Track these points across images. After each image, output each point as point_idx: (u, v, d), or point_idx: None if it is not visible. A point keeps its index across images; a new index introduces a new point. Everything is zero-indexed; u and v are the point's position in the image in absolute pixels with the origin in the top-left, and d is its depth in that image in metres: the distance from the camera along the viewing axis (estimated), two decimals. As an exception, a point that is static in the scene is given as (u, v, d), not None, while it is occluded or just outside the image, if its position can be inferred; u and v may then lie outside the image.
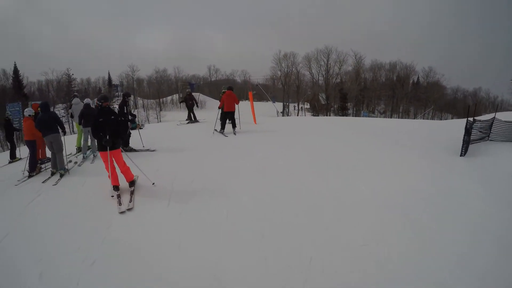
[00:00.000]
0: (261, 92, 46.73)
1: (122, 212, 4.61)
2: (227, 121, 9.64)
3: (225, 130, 9.59)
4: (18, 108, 15.75)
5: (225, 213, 4.51)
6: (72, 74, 49.39)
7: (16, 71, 46.85)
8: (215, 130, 9.71)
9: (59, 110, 40.87)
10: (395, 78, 55.84)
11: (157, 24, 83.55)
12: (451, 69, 76.94)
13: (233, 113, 9.56)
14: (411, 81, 55.67)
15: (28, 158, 6.93)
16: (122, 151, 5.43)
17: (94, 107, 7.33)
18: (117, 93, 49.24)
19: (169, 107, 49.27)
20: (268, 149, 7.49)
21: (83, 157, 7.73)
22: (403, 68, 55.63)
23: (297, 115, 46.96)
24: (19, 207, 5.00)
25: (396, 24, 76.51)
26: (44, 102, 6.87)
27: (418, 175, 5.64)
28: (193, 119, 13.35)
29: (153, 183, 5.49)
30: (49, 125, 6.47)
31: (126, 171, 5.32)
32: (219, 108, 9.71)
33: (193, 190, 5.22)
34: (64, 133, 6.77)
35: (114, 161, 5.22)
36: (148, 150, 7.91)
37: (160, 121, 45.60)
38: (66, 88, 48.25)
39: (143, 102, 49.50)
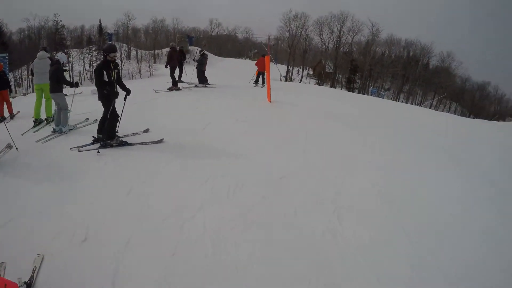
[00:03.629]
0: (264, 51, 43.14)
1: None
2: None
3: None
4: None
5: None
6: (60, 21, 44.96)
7: None
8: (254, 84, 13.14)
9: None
10: (410, 56, 52.18)
11: None
12: (467, 58, 71.80)
13: (264, 72, 11.69)
14: (420, 63, 51.89)
15: None
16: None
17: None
18: (110, 42, 46.03)
19: (164, 60, 45.76)
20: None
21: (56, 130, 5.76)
22: (420, 48, 51.93)
23: (300, 81, 43.58)
24: None
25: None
26: None
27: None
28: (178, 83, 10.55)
29: None
30: None
31: None
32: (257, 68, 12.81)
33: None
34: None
35: None
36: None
37: (153, 74, 42.73)
38: (53, 36, 44.51)
39: (136, 53, 46.32)
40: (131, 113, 6.32)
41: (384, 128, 7.61)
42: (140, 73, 43.05)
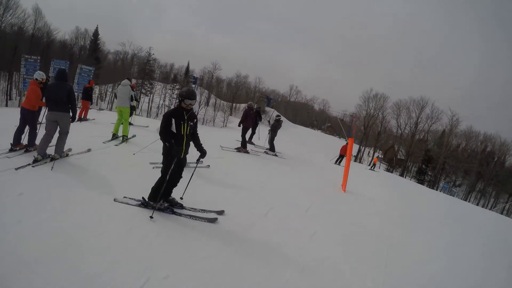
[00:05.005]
0: (338, 127, 42.78)
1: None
2: None
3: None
4: (64, 67, 14.09)
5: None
6: (153, 54, 49.38)
7: (96, 34, 47.91)
8: None
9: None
10: (486, 152, 48.29)
11: (249, 30, 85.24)
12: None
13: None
14: (495, 160, 47.47)
15: (17, 128, 5.53)
16: None
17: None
18: (194, 86, 48.84)
19: (239, 114, 47.31)
20: None
21: None
22: (500, 144, 48.01)
23: (369, 164, 41.97)
24: None
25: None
26: (61, 69, 5.52)
27: None
28: (245, 145, 9.66)
29: None
30: (59, 99, 5.05)
31: None
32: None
33: None
34: (74, 118, 5.37)
35: None
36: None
37: (226, 125, 44.07)
38: (143, 66, 48.85)
39: (215, 101, 48.52)
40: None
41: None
42: (214, 122, 44.63)
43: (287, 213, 5.11)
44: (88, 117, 10.47)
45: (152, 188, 3.97)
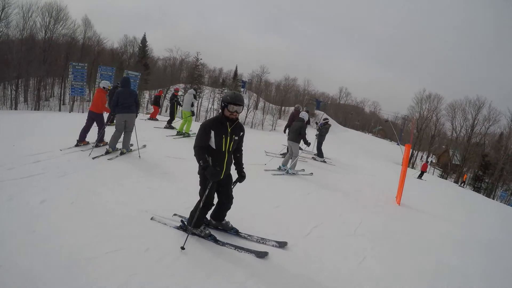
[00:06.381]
0: (390, 130, 42.11)
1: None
2: None
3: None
4: (111, 73, 16.10)
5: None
6: (201, 59, 50.87)
7: (144, 41, 49.89)
8: None
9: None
10: None
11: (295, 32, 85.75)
12: None
13: None
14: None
15: (83, 127, 6.51)
16: None
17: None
18: (243, 90, 50.19)
19: (287, 117, 47.71)
20: None
21: None
22: None
23: (460, 183, 40.88)
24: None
25: None
26: (126, 78, 6.50)
27: None
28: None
29: None
30: (128, 103, 6.10)
31: None
32: None
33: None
34: (136, 116, 6.41)
35: None
36: None
37: (275, 129, 44.98)
38: (192, 71, 50.70)
39: (264, 105, 49.62)
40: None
41: None
42: (262, 125, 45.75)
43: (333, 232, 4.43)
44: (157, 117, 13.22)
45: (191, 212, 3.40)
